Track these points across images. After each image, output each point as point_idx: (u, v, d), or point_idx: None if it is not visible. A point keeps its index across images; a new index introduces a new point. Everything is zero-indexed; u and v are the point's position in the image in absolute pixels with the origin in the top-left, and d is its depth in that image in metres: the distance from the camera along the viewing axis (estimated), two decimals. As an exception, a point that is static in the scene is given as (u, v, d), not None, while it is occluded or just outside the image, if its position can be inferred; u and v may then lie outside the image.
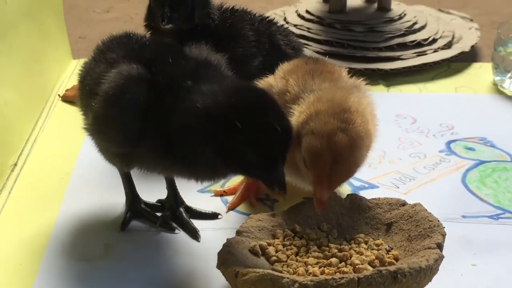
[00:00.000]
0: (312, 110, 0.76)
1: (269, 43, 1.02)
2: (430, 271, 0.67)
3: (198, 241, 0.83)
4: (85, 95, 0.79)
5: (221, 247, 0.74)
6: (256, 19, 1.04)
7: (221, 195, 0.92)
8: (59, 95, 1.18)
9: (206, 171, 0.73)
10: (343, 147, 0.74)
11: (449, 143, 1.09)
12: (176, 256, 0.82)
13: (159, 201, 0.89)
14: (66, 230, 0.86)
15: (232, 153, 0.68)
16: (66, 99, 1.17)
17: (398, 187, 0.98)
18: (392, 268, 0.65)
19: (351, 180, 0.95)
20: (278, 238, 0.78)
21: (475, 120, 1.16)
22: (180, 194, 0.88)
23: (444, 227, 0.75)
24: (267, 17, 1.08)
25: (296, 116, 0.78)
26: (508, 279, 0.80)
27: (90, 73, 0.79)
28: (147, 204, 0.88)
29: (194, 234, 0.84)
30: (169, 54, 0.76)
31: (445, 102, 1.22)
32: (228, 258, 0.72)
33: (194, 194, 0.92)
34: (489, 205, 0.94)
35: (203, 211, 0.88)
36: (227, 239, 0.76)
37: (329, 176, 0.74)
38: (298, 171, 0.79)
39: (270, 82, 0.86)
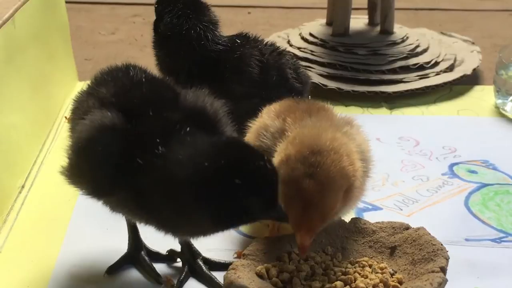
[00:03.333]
0: (282, 154, 0.76)
1: (277, 76, 1.02)
2: (434, 295, 0.68)
3: None
4: (71, 130, 0.78)
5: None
6: (267, 50, 1.04)
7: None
8: (65, 117, 1.19)
9: (187, 229, 0.72)
10: (312, 193, 0.72)
11: (452, 166, 1.10)
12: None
13: (170, 251, 0.86)
14: (73, 252, 0.87)
15: (232, 210, 0.68)
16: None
17: (402, 210, 0.98)
18: (397, 292, 0.66)
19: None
20: (284, 262, 0.78)
21: (477, 143, 1.17)
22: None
23: (447, 251, 0.76)
24: (278, 47, 1.08)
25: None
26: (512, 302, 0.81)
27: (79, 106, 0.78)
28: (150, 252, 0.85)
29: None
30: (157, 102, 0.74)
31: (448, 125, 1.23)
32: (234, 281, 0.73)
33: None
34: (491, 228, 0.95)
35: (221, 261, 0.84)
36: (233, 262, 0.77)
37: (304, 222, 0.73)
38: None
39: (266, 122, 0.84)
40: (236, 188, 0.66)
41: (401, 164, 1.10)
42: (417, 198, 1.01)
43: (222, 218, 0.69)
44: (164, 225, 0.72)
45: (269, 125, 0.84)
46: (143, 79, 0.78)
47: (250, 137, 0.86)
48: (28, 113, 1.07)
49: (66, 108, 1.23)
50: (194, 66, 1.01)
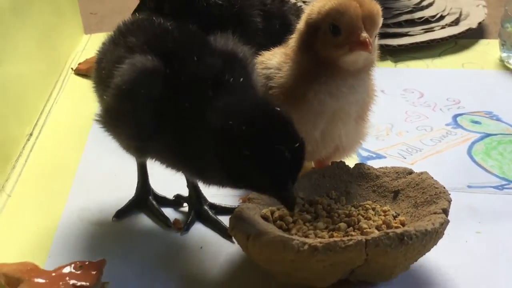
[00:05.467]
0: None
1: (280, 23, 1.02)
2: (435, 234, 0.69)
3: (232, 242, 0.80)
4: (100, 79, 0.78)
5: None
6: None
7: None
8: (72, 68, 1.20)
9: (214, 182, 0.73)
10: None
11: (455, 116, 1.10)
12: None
13: (177, 196, 0.87)
14: (82, 197, 0.89)
15: (242, 176, 0.68)
16: (79, 72, 1.19)
17: (405, 158, 0.99)
18: (399, 230, 0.67)
19: (359, 150, 0.97)
20: (288, 205, 0.80)
21: (481, 95, 1.17)
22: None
23: (450, 194, 0.77)
24: None
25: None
26: (510, 246, 0.82)
27: (108, 55, 0.77)
28: (157, 197, 0.87)
29: (225, 233, 0.81)
30: (193, 46, 0.74)
31: (452, 78, 1.23)
32: (239, 222, 0.74)
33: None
34: (494, 176, 0.96)
35: (227, 206, 0.86)
36: (239, 205, 0.78)
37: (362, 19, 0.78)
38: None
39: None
40: (253, 161, 0.67)
41: (405, 115, 1.11)
42: (420, 147, 1.02)
43: (238, 181, 0.71)
44: (198, 173, 0.74)
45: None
46: (170, 26, 0.78)
47: None
48: (35, 63, 1.08)
49: (72, 60, 1.24)
50: (200, 24, 1.02)
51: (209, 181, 0.75)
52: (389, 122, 1.08)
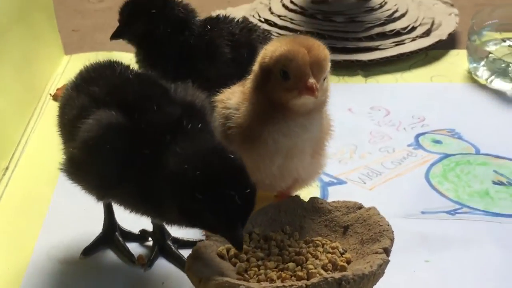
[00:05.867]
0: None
1: (248, 52, 1.06)
2: (373, 276, 0.74)
3: None
4: (64, 124, 0.83)
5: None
6: (236, 28, 1.08)
7: None
8: (50, 94, 1.24)
9: (174, 223, 0.79)
10: (313, 43, 0.85)
11: (417, 136, 1.15)
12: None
13: (142, 231, 0.92)
14: (52, 233, 0.93)
15: (196, 217, 0.74)
16: (57, 98, 1.23)
17: (365, 183, 1.04)
18: (337, 275, 0.72)
19: (321, 176, 1.01)
20: (244, 241, 0.84)
21: (446, 111, 1.21)
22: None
23: (393, 232, 0.81)
24: (249, 23, 1.12)
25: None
26: (458, 274, 0.87)
27: (70, 102, 0.82)
28: (123, 232, 0.91)
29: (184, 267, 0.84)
30: (153, 97, 0.79)
31: (419, 93, 1.27)
32: (195, 262, 0.79)
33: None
34: (448, 200, 1.00)
35: (190, 239, 0.90)
36: (197, 243, 0.83)
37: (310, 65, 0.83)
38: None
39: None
40: (205, 205, 0.72)
41: (369, 135, 1.15)
42: (381, 170, 1.06)
43: (193, 223, 0.77)
44: (158, 216, 0.80)
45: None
46: (130, 76, 0.83)
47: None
48: (12, 95, 1.12)
49: (52, 84, 1.28)
50: (176, 57, 1.06)
51: (169, 222, 0.81)
52: (353, 143, 1.12)
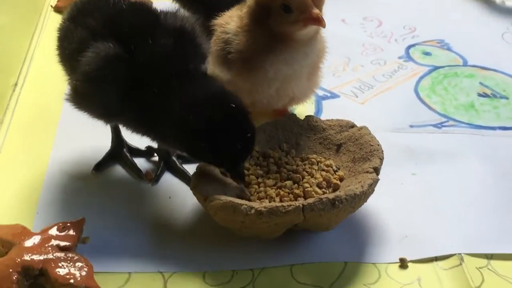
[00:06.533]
0: None
1: None
2: (364, 195, 0.81)
3: None
4: (65, 57, 0.88)
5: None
6: None
7: None
8: (51, 6, 1.27)
9: (179, 150, 0.86)
10: None
11: (408, 48, 1.19)
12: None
13: (148, 147, 0.97)
14: (64, 149, 0.98)
15: (200, 157, 0.82)
16: (58, 9, 1.26)
17: (357, 97, 1.09)
18: (331, 196, 0.79)
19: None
20: (244, 159, 0.91)
21: (437, 21, 1.25)
22: None
23: (383, 151, 0.87)
24: None
25: None
26: (443, 186, 0.93)
27: (69, 35, 0.86)
28: (130, 149, 0.97)
29: (190, 182, 0.90)
30: (146, 28, 0.83)
31: (412, 2, 1.30)
32: (199, 181, 0.85)
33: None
34: (435, 113, 1.06)
35: None
36: (199, 163, 0.89)
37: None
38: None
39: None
40: (212, 151, 0.80)
41: (362, 47, 1.20)
42: (372, 83, 1.12)
43: (197, 159, 0.85)
44: (159, 139, 0.86)
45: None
46: (124, 6, 0.87)
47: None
48: (14, 10, 1.15)
49: (51, -4, 1.30)
50: None
51: (174, 149, 0.88)
52: (347, 56, 1.17)
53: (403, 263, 0.82)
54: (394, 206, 0.90)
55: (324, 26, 0.87)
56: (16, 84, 1.10)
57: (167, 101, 0.80)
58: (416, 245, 0.84)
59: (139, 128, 0.85)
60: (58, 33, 0.90)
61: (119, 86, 0.81)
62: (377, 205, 0.88)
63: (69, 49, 0.86)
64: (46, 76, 1.12)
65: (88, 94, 0.83)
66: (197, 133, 0.79)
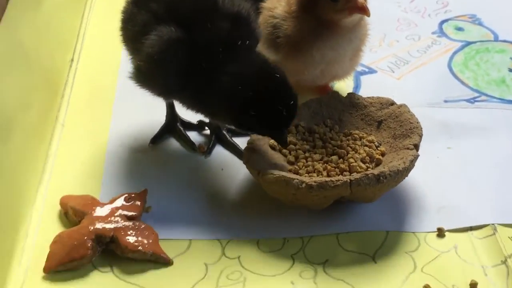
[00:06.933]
0: None
1: None
2: (406, 171, 0.88)
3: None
4: (129, 39, 0.94)
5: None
6: None
7: None
8: (99, -18, 1.33)
9: (229, 125, 0.93)
10: None
11: (441, 23, 1.25)
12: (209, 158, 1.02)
13: (200, 121, 1.04)
14: (122, 123, 1.05)
15: (248, 126, 0.89)
16: (105, -15, 1.32)
17: (393, 72, 1.16)
18: (376, 171, 0.86)
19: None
20: (292, 133, 0.98)
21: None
22: None
23: (422, 128, 0.94)
24: None
25: None
26: (475, 159, 0.99)
27: (132, 18, 0.92)
28: (183, 123, 1.04)
29: (241, 155, 0.97)
30: (205, 13, 0.89)
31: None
32: (252, 155, 0.93)
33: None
34: (468, 88, 1.12)
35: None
36: (251, 136, 0.96)
37: None
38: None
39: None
40: (258, 118, 0.87)
41: (397, 23, 1.25)
42: (408, 59, 1.18)
43: (244, 129, 0.92)
44: (211, 114, 0.93)
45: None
46: None
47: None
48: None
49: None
50: None
51: (225, 124, 0.96)
52: (382, 31, 1.23)
53: (440, 232, 0.90)
54: (430, 179, 0.96)
55: (368, 15, 0.93)
56: (72, 60, 1.17)
57: (220, 77, 0.87)
58: (452, 216, 0.91)
59: (195, 104, 0.93)
60: (122, 16, 0.96)
61: (179, 67, 0.88)
62: (415, 178, 0.95)
63: (133, 31, 0.92)
64: (99, 52, 1.19)
65: (151, 74, 0.90)
66: (246, 101, 0.85)
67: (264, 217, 0.92)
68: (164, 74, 0.89)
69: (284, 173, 0.88)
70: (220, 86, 0.87)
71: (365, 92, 1.06)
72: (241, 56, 0.88)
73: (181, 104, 0.95)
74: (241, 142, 1.01)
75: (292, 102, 0.87)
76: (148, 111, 1.07)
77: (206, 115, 0.94)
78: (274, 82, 0.87)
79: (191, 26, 0.89)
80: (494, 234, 0.89)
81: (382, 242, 0.88)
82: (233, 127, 1.02)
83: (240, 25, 0.90)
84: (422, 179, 0.96)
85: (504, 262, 0.85)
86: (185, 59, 0.88)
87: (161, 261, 0.86)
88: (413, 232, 0.90)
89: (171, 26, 0.88)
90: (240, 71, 0.87)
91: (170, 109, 1.04)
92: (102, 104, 1.09)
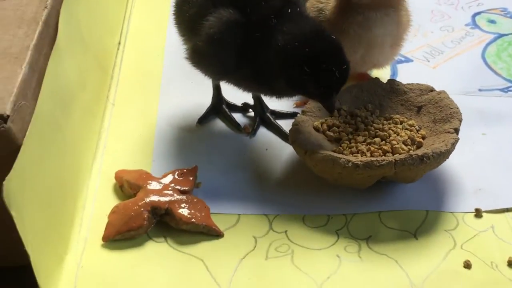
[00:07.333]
0: None
1: None
2: (447, 153, 0.92)
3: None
4: (185, 21, 0.99)
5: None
6: None
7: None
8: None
9: (283, 93, 0.97)
10: None
11: (474, 15, 1.29)
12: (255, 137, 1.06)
13: (245, 104, 1.09)
14: (169, 103, 1.10)
15: (301, 86, 0.92)
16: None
17: (429, 61, 1.20)
18: (420, 152, 0.90)
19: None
20: (335, 117, 1.02)
21: (501, -12, 1.34)
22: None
23: (461, 114, 0.98)
24: None
25: None
26: (509, 145, 1.04)
27: (188, 1, 0.97)
28: (229, 105, 1.08)
29: (285, 137, 1.02)
30: None
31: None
32: (297, 136, 0.97)
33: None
34: (501, 78, 1.16)
35: (285, 111, 1.07)
36: (295, 118, 1.01)
37: None
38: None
39: None
40: (311, 77, 0.90)
41: (431, 14, 1.30)
42: (442, 49, 1.22)
43: (297, 90, 0.95)
44: (268, 92, 0.98)
45: None
46: None
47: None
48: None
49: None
50: None
51: (275, 94, 0.98)
52: (417, 22, 1.27)
53: (478, 213, 0.94)
54: (467, 163, 1.01)
55: None
56: (119, 43, 1.22)
57: (277, 37, 0.91)
58: (489, 197, 0.95)
59: (248, 82, 0.97)
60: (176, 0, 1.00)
61: (237, 47, 0.93)
62: (452, 161, 0.99)
63: (190, 13, 0.97)
64: (144, 35, 1.24)
65: (208, 54, 0.95)
66: (301, 57, 0.89)
67: (308, 195, 0.97)
68: (222, 54, 0.94)
69: (331, 152, 0.93)
70: (277, 44, 0.91)
71: (402, 80, 1.09)
72: (296, 18, 0.93)
73: (235, 86, 0.99)
74: (284, 124, 1.05)
75: (345, 67, 0.91)
76: (194, 92, 1.12)
77: (258, 89, 0.99)
78: (330, 42, 0.91)
79: (247, 8, 0.93)
80: (529, 215, 0.93)
81: (422, 221, 0.93)
82: (274, 110, 1.07)
83: (291, 4, 0.94)
84: (459, 162, 1.00)
85: (540, 241, 0.90)
86: (241, 39, 0.93)
87: (212, 233, 0.90)
88: (452, 212, 0.94)
89: (229, 9, 0.93)
90: (296, 30, 0.91)
91: (217, 91, 1.08)
92: (149, 85, 1.14)
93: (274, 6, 0.93)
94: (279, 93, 0.98)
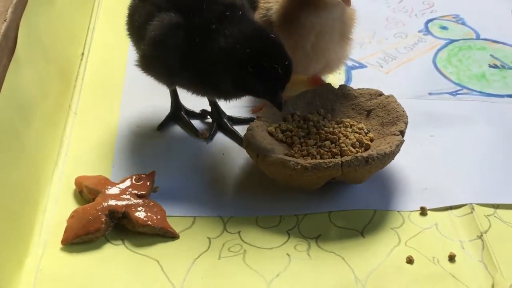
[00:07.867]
0: None
1: None
2: (392, 154, 0.96)
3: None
4: (134, 30, 1.03)
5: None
6: None
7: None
8: (105, -20, 1.41)
9: (230, 95, 1.00)
10: None
11: (427, 22, 1.34)
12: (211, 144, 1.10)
13: (203, 111, 1.13)
14: (129, 112, 1.14)
15: (246, 86, 0.95)
16: (112, -16, 1.41)
17: (382, 67, 1.24)
18: (365, 154, 0.94)
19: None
20: (288, 122, 1.06)
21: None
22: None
23: (407, 117, 1.03)
24: None
25: None
26: (456, 146, 1.08)
27: (138, 11, 1.01)
28: (187, 111, 1.12)
29: (241, 142, 1.05)
30: (202, 1, 0.97)
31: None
32: (250, 140, 1.01)
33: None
34: (451, 82, 1.21)
35: (241, 117, 1.12)
36: (250, 124, 1.05)
37: None
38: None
39: None
40: (255, 76, 0.93)
41: (386, 21, 1.34)
42: (395, 55, 1.26)
43: (243, 91, 0.99)
44: (215, 93, 1.02)
45: None
46: None
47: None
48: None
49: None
50: None
51: (223, 96, 1.02)
52: (372, 29, 1.32)
53: (423, 211, 0.98)
54: (415, 163, 1.05)
55: (349, 5, 1.02)
56: (83, 54, 1.25)
57: (218, 39, 0.95)
58: (434, 196, 1.00)
59: (195, 84, 1.00)
60: (129, 11, 1.05)
61: (179, 48, 0.96)
62: (400, 162, 1.03)
63: (138, 22, 1.01)
64: (107, 46, 1.28)
65: (154, 57, 0.99)
66: (243, 57, 0.92)
67: (262, 197, 1.01)
68: (166, 55, 0.98)
69: (281, 156, 0.97)
70: (219, 47, 0.94)
71: (355, 85, 1.14)
72: (237, 21, 0.96)
73: (185, 89, 1.03)
74: (240, 130, 1.09)
75: (287, 63, 0.94)
76: (155, 101, 1.16)
77: (206, 91, 1.02)
78: (270, 41, 0.95)
79: (189, 12, 0.97)
80: (471, 212, 0.97)
81: (370, 219, 0.97)
82: (231, 116, 1.11)
83: (233, 11, 0.98)
84: (406, 163, 1.05)
85: (480, 237, 0.94)
86: (183, 40, 0.96)
87: (168, 235, 0.94)
88: (398, 211, 0.98)
89: (171, 13, 0.97)
90: (237, 32, 0.95)
91: (175, 98, 1.12)
92: (111, 94, 1.18)
93: (217, 10, 0.98)
94: (226, 95, 1.02)
